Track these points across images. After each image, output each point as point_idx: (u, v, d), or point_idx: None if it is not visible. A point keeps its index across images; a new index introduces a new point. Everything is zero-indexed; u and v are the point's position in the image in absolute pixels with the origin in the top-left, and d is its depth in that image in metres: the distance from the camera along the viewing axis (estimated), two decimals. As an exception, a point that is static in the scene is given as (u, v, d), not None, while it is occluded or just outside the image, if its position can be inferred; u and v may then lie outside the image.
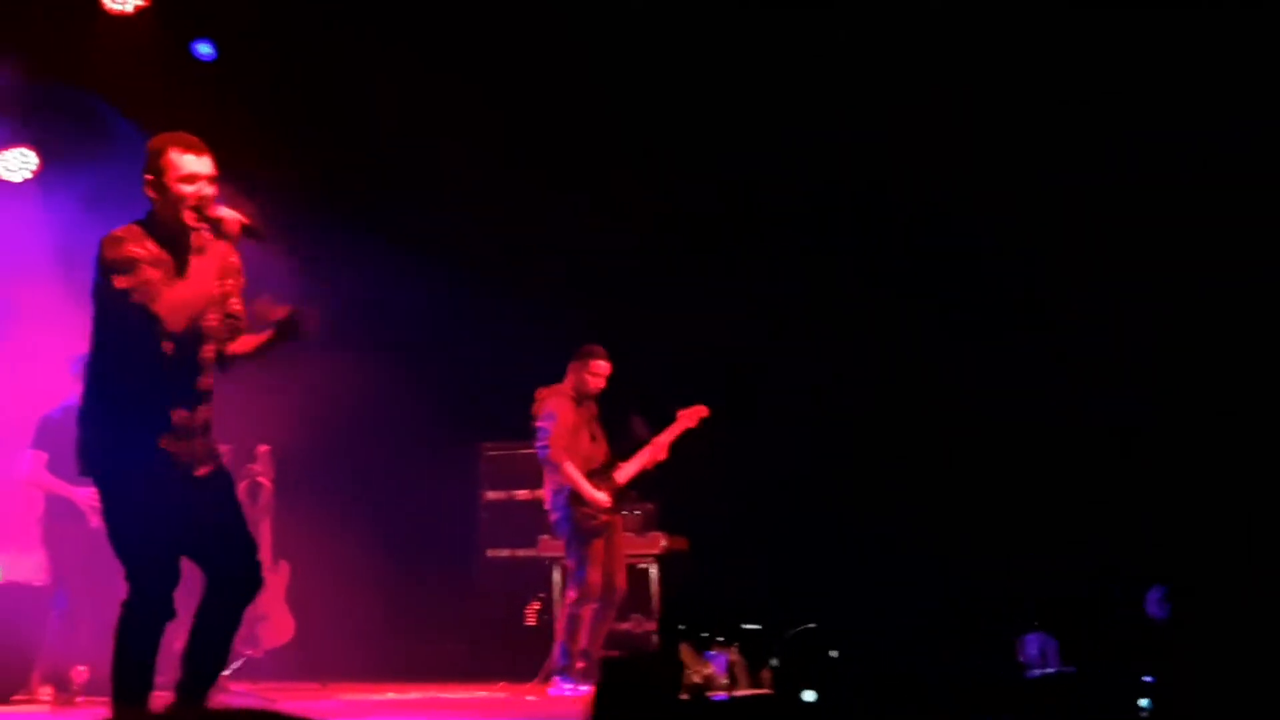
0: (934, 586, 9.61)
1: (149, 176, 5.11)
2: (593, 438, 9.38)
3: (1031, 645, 7.38)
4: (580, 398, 9.36)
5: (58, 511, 8.91)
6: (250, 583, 5.22)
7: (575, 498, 9.12)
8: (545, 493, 9.37)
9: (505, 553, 11.26)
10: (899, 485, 10.31)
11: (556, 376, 9.38)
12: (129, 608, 5.03)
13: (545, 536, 10.23)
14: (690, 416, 9.44)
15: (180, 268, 4.99)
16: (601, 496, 9.15)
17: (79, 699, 8.49)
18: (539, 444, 9.24)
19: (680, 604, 10.01)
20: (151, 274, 4.94)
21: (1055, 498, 9.90)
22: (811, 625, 5.56)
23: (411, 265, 10.75)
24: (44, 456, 8.96)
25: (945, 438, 10.32)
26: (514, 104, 10.95)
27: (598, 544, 9.16)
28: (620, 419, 9.56)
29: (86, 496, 8.87)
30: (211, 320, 5.15)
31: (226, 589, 5.16)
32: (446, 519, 11.66)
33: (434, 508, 11.62)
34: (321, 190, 10.63)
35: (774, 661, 5.68)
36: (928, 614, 8.80)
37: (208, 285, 5.03)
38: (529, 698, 9.11)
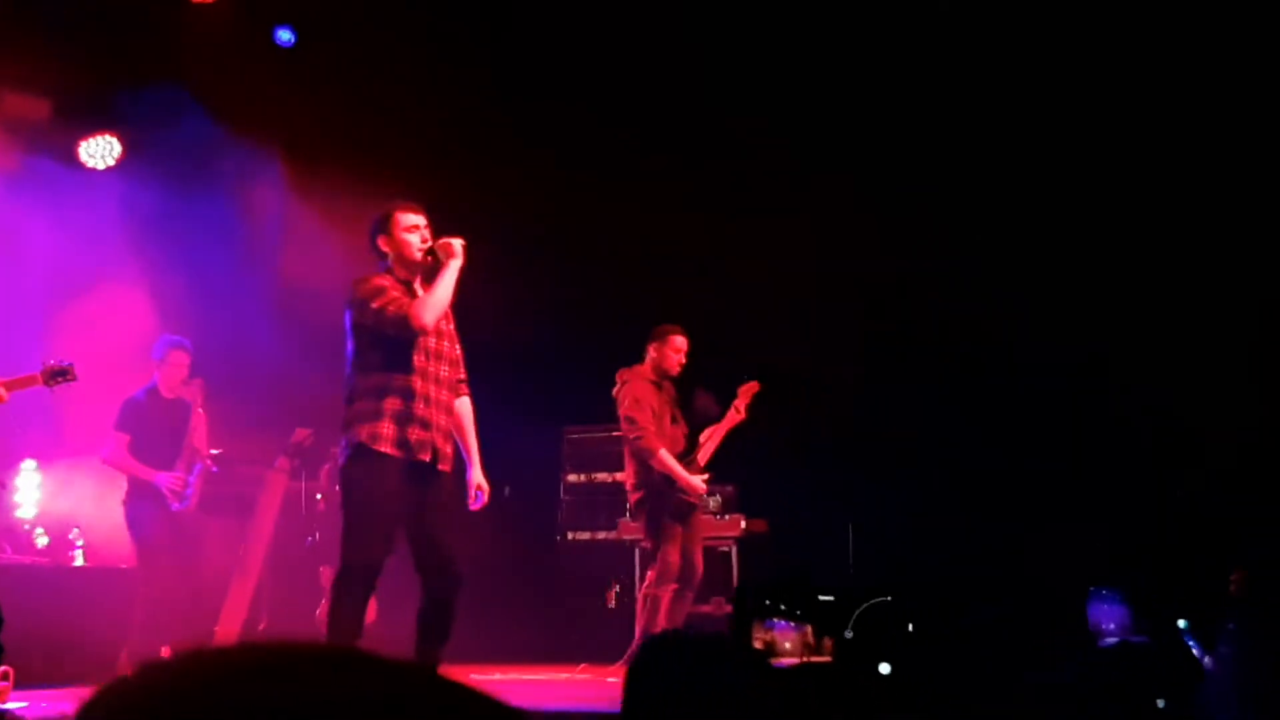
0: (1010, 557, 9.56)
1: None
2: (674, 420, 9.36)
3: (1104, 614, 7.31)
4: (660, 378, 9.33)
5: (140, 494, 9.00)
6: None
7: (668, 481, 9.09)
8: (627, 475, 9.36)
9: (586, 535, 11.29)
10: (976, 458, 10.26)
11: (635, 357, 9.37)
12: None
13: (625, 519, 10.24)
14: (746, 393, 9.39)
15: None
16: (698, 482, 9.12)
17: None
18: (628, 432, 9.20)
19: (756, 580, 10.00)
20: None
21: (1132, 464, 9.83)
22: (887, 598, 5.51)
23: (488, 248, 10.78)
24: (126, 439, 9.06)
25: (1018, 404, 10.24)
26: (580, 82, 10.95)
27: (675, 525, 9.14)
28: (687, 397, 9.55)
29: (168, 480, 8.97)
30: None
31: None
32: (528, 502, 11.70)
33: (516, 490, 11.66)
34: (394, 176, 10.66)
35: (848, 633, 5.64)
36: (1002, 585, 8.73)
37: None
38: (610, 679, 9.11)
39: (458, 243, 6.41)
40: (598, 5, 10.67)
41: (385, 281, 6.36)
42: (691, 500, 9.10)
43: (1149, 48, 9.52)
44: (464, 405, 6.75)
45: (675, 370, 9.33)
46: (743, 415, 9.38)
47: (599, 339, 10.42)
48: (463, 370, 6.72)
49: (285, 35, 11.12)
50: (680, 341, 9.31)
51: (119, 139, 11.02)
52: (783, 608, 5.70)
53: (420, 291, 6.40)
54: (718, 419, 9.42)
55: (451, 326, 6.63)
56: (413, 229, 6.47)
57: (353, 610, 6.18)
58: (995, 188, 10.38)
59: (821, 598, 5.60)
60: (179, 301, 10.56)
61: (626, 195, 10.98)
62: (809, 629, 6.87)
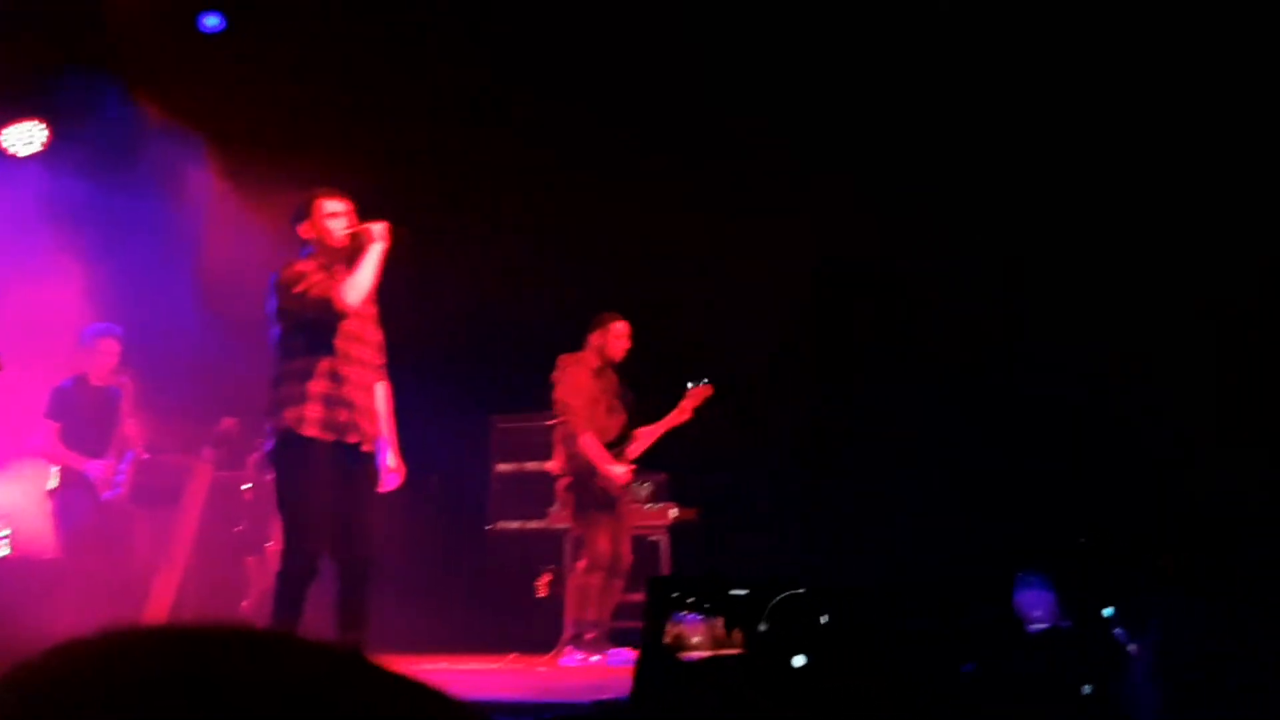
0: (936, 545, 9.62)
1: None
2: (609, 410, 9.37)
3: (1031, 600, 7.40)
4: (601, 366, 9.35)
5: (70, 483, 8.93)
6: None
7: (590, 469, 9.12)
8: (556, 461, 9.38)
9: (515, 524, 11.27)
10: (903, 445, 10.32)
11: (566, 346, 9.38)
12: None
13: (555, 508, 10.24)
14: (697, 395, 9.44)
15: None
16: (619, 471, 9.14)
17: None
18: (559, 414, 9.24)
19: (665, 574, 10.03)
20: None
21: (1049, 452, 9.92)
22: (800, 590, 5.53)
23: (419, 235, 10.73)
24: (56, 427, 8.99)
25: (946, 395, 10.30)
26: (527, 76, 10.91)
27: (604, 514, 9.17)
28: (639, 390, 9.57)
29: (98, 469, 8.90)
30: None
31: None
32: (457, 491, 11.68)
33: (445, 479, 11.64)
34: (326, 162, 10.59)
35: (762, 626, 5.66)
36: (929, 573, 8.81)
37: None
38: (541, 668, 9.12)
39: (379, 227, 6.47)
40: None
41: (307, 267, 6.43)
42: (611, 491, 9.13)
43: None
44: (380, 390, 6.76)
45: (619, 356, 9.35)
46: (688, 416, 9.44)
47: (529, 328, 10.41)
48: (383, 355, 6.75)
49: (212, 21, 11.01)
50: (620, 327, 9.34)
51: (45, 125, 10.89)
52: (690, 601, 5.70)
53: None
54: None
55: (374, 310, 6.67)
56: (334, 215, 6.55)
57: (294, 598, 6.25)
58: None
59: (733, 591, 5.60)
60: (105, 290, 10.46)
61: (558, 181, 10.97)
62: (719, 622, 6.89)
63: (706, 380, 9.49)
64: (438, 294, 10.99)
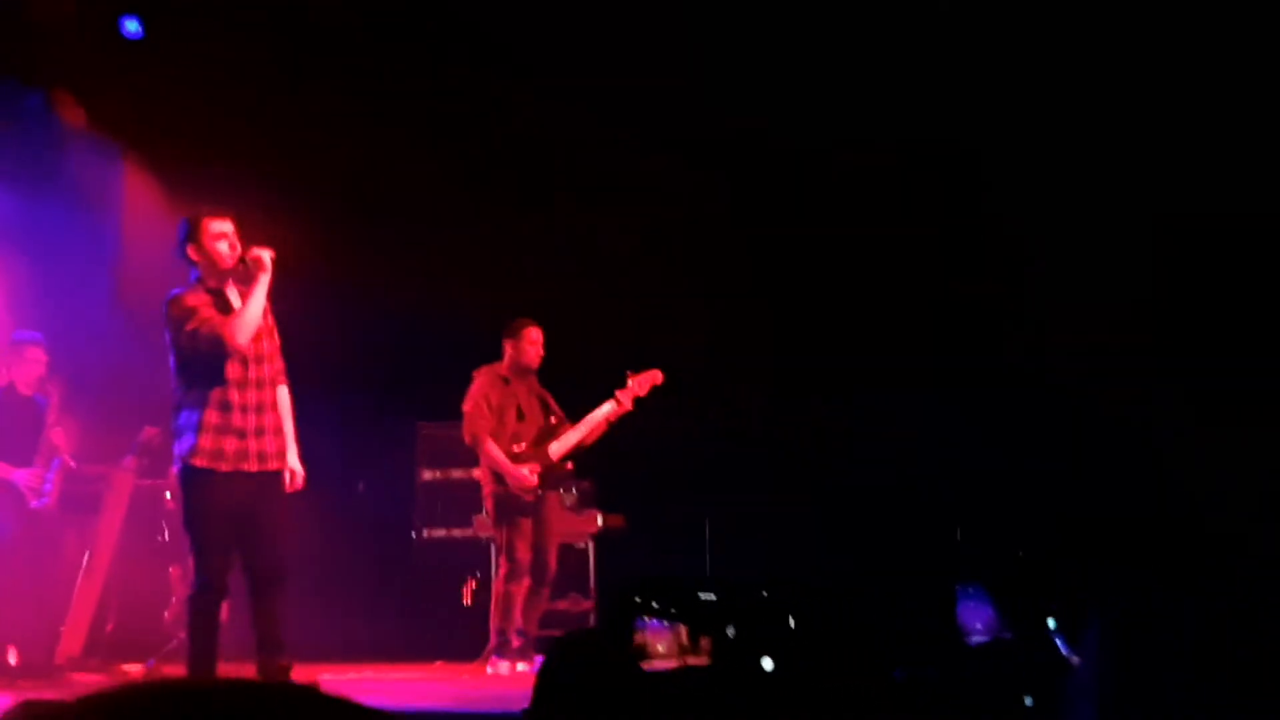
0: (872, 554, 9.67)
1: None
2: (520, 415, 9.34)
3: (972, 612, 7.45)
4: (516, 373, 9.35)
5: (-3, 493, 8.84)
6: None
7: (499, 476, 9.14)
8: (481, 470, 9.38)
9: (441, 532, 11.22)
10: (839, 447, 10.36)
11: (491, 351, 9.39)
12: None
13: (480, 515, 10.22)
14: (643, 383, 9.30)
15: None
16: (524, 473, 9.12)
17: (18, 681, 8.38)
18: (464, 423, 9.27)
19: (626, 579, 10.01)
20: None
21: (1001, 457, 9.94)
22: (764, 594, 5.57)
23: (349, 238, 10.71)
24: (-17, 437, 8.90)
25: (884, 391, 10.32)
26: (449, 84, 10.88)
27: (525, 520, 9.15)
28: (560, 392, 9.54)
29: (25, 477, 8.81)
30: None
31: None
32: (382, 498, 11.62)
33: (370, 487, 11.59)
34: (251, 165, 10.52)
35: (730, 630, 5.69)
36: (866, 580, 8.85)
37: None
38: (466, 676, 9.10)
39: (267, 255, 6.52)
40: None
41: (197, 300, 6.51)
42: (524, 496, 9.10)
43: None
44: (282, 394, 6.87)
45: (534, 363, 9.35)
46: (627, 408, 9.29)
47: (454, 334, 10.38)
48: (281, 360, 6.85)
49: (133, 26, 10.89)
50: (534, 334, 9.35)
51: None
52: (655, 606, 5.72)
53: (234, 299, 6.58)
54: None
55: (270, 321, 6.75)
56: (220, 236, 6.58)
57: (208, 625, 6.54)
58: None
59: (702, 595, 5.63)
60: (27, 297, 10.34)
61: (485, 185, 10.94)
62: (683, 629, 6.90)
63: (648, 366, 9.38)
64: (364, 298, 10.94)
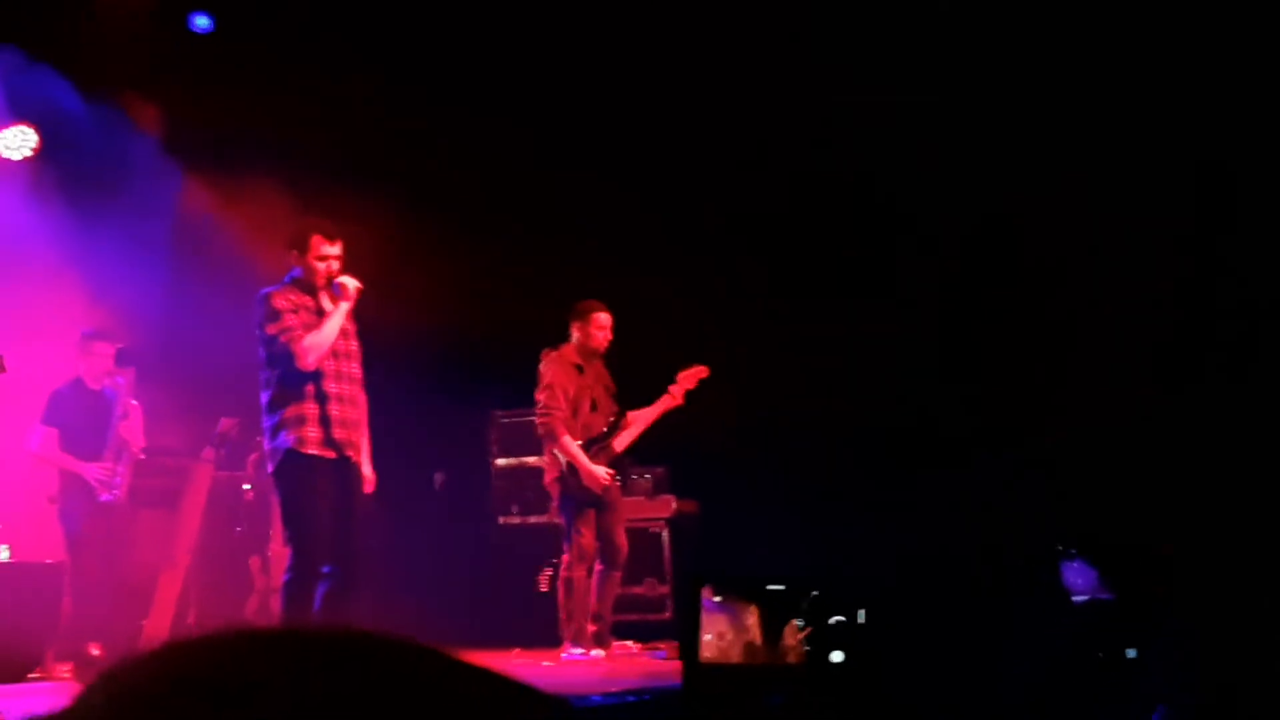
0: (961, 530, 9.59)
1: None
2: (593, 405, 9.29)
3: (1074, 574, 7.48)
4: (585, 358, 9.30)
5: (70, 487, 8.94)
6: None
7: (572, 468, 9.08)
8: (546, 457, 9.37)
9: (517, 519, 11.27)
10: (918, 430, 10.30)
11: (562, 339, 9.37)
12: None
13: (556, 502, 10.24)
14: (690, 378, 9.33)
15: None
16: (601, 472, 9.06)
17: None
18: (538, 414, 9.23)
19: (694, 569, 9.99)
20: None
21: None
22: (833, 586, 5.56)
23: (420, 231, 10.75)
24: (55, 432, 8.99)
25: (962, 376, 10.25)
26: (510, 75, 10.91)
27: (589, 508, 9.11)
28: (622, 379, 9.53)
29: (96, 472, 8.90)
30: None
31: None
32: (459, 487, 11.67)
33: (447, 476, 11.65)
34: (322, 161, 10.57)
35: (799, 622, 5.67)
36: (958, 559, 8.79)
37: None
38: (545, 663, 9.12)
39: (353, 285, 6.91)
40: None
41: (285, 303, 6.88)
42: (594, 489, 9.06)
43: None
44: (361, 398, 7.20)
45: (602, 347, 9.30)
46: (679, 401, 9.31)
47: (527, 322, 10.39)
48: (361, 368, 7.17)
49: (203, 21, 10.97)
50: (603, 318, 9.27)
51: (35, 129, 10.85)
52: (723, 596, 5.73)
53: (326, 304, 6.94)
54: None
55: (353, 326, 7.12)
56: (325, 258, 6.94)
57: (304, 603, 6.72)
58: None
59: (770, 587, 5.63)
60: (102, 291, 10.43)
61: (557, 178, 10.96)
62: (753, 617, 6.89)
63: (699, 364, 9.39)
64: (437, 290, 10.98)
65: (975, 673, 5.38)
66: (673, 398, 9.29)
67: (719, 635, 7.05)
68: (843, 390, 10.50)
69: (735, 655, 6.23)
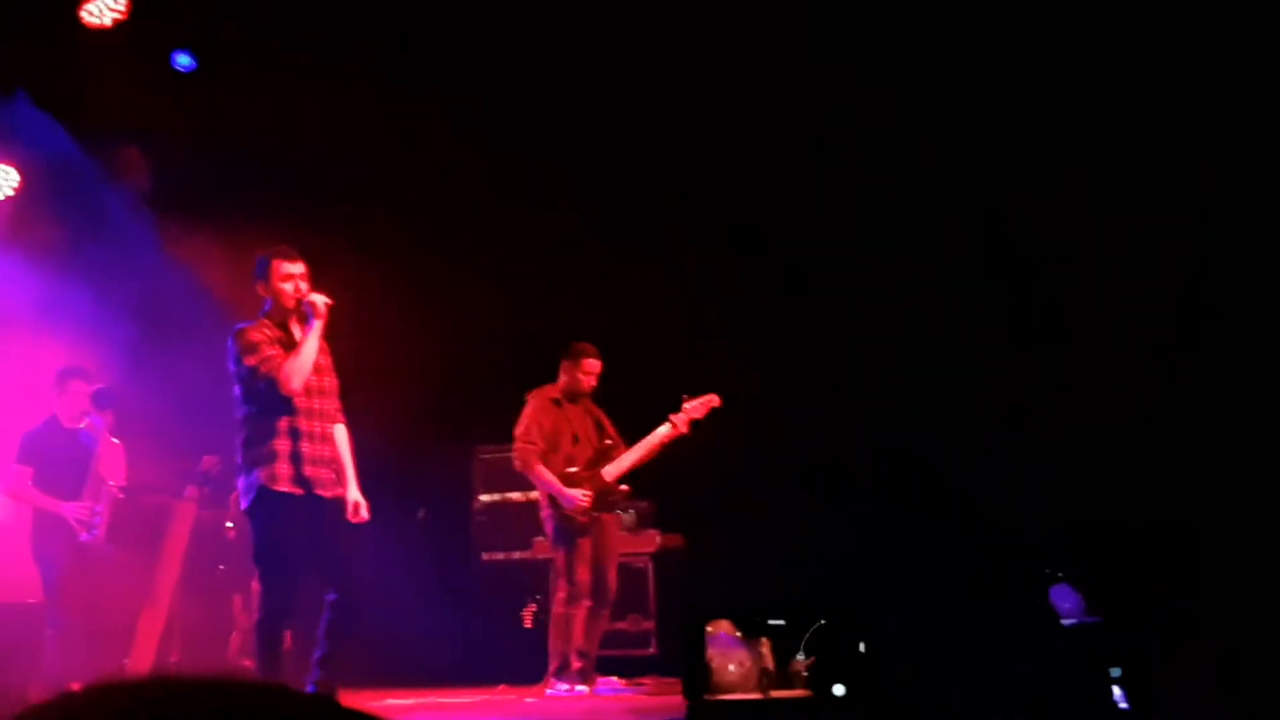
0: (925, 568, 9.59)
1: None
2: (575, 439, 9.30)
3: (1061, 597, 7.50)
4: (569, 397, 9.33)
5: (46, 526, 8.89)
6: None
7: (554, 499, 9.10)
8: (540, 493, 9.37)
9: (500, 555, 11.24)
10: (891, 470, 10.30)
11: (546, 375, 9.37)
12: None
13: (539, 538, 10.21)
14: (699, 407, 9.24)
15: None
16: (578, 495, 9.06)
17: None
18: (514, 448, 9.26)
19: (696, 603, 9.96)
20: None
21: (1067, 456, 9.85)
22: (832, 618, 5.58)
23: (403, 265, 10.75)
24: (29, 471, 8.95)
25: (949, 398, 10.25)
26: (497, 109, 10.92)
27: (584, 542, 9.10)
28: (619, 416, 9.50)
29: (74, 510, 8.86)
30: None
31: None
32: (442, 522, 11.65)
33: (430, 511, 11.62)
34: (303, 197, 10.57)
35: (801, 656, 5.67)
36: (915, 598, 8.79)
37: None
38: (528, 699, 9.08)
39: (322, 302, 6.89)
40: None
41: (260, 335, 6.88)
42: (578, 517, 9.06)
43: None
44: (340, 432, 7.17)
45: (586, 390, 9.33)
46: (684, 430, 9.19)
47: (511, 359, 10.39)
48: (338, 400, 7.14)
49: (184, 60, 10.98)
50: (592, 364, 9.31)
51: (16, 168, 10.84)
52: (737, 635, 5.75)
53: (297, 333, 6.94)
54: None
55: (328, 361, 7.09)
56: (288, 278, 6.94)
57: (275, 650, 6.74)
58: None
59: (771, 622, 5.64)
60: (80, 330, 10.42)
61: (541, 214, 10.97)
62: (757, 651, 6.89)
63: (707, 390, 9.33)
64: (422, 326, 10.98)
65: (974, 677, 5.38)
66: (675, 427, 9.20)
67: (739, 664, 7.07)
68: (828, 426, 10.52)
69: (752, 683, 6.28)
